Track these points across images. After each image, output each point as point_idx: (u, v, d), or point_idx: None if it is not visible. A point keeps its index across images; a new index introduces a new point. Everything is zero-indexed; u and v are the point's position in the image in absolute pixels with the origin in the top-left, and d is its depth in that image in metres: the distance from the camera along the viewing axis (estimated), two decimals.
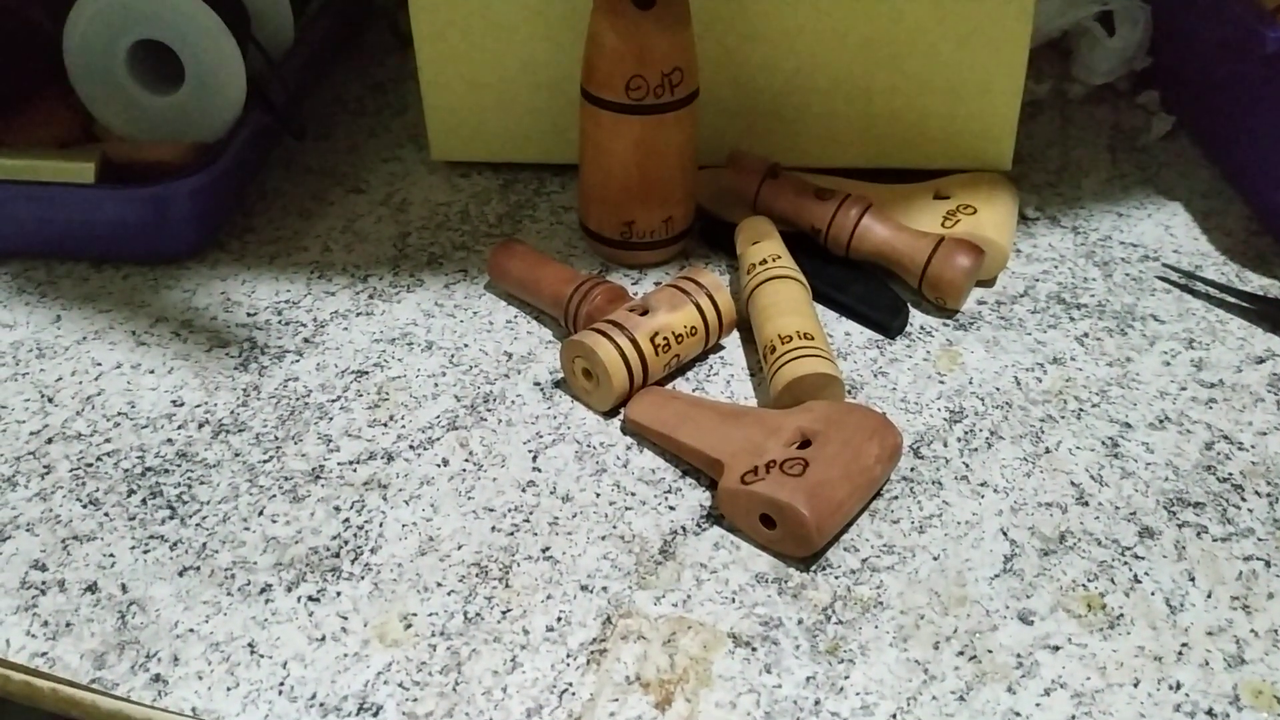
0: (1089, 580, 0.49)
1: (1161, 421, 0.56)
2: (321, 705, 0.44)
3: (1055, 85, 0.83)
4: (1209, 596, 0.48)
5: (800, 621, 0.47)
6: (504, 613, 0.47)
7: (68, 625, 0.47)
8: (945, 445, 0.55)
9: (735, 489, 0.50)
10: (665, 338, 0.56)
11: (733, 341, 0.61)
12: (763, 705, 0.44)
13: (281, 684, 0.45)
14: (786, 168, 0.67)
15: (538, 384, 0.58)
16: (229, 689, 0.45)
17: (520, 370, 0.59)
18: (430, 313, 0.63)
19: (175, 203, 0.64)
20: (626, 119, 0.60)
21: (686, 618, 0.47)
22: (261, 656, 0.46)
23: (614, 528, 0.51)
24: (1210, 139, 0.76)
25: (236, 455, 0.54)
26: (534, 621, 0.47)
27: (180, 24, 0.66)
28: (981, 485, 0.53)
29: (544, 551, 0.50)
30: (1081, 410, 0.57)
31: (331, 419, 0.56)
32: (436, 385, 0.58)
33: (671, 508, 0.52)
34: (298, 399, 0.58)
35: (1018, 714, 0.44)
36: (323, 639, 0.46)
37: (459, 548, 0.50)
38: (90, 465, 0.54)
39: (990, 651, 0.46)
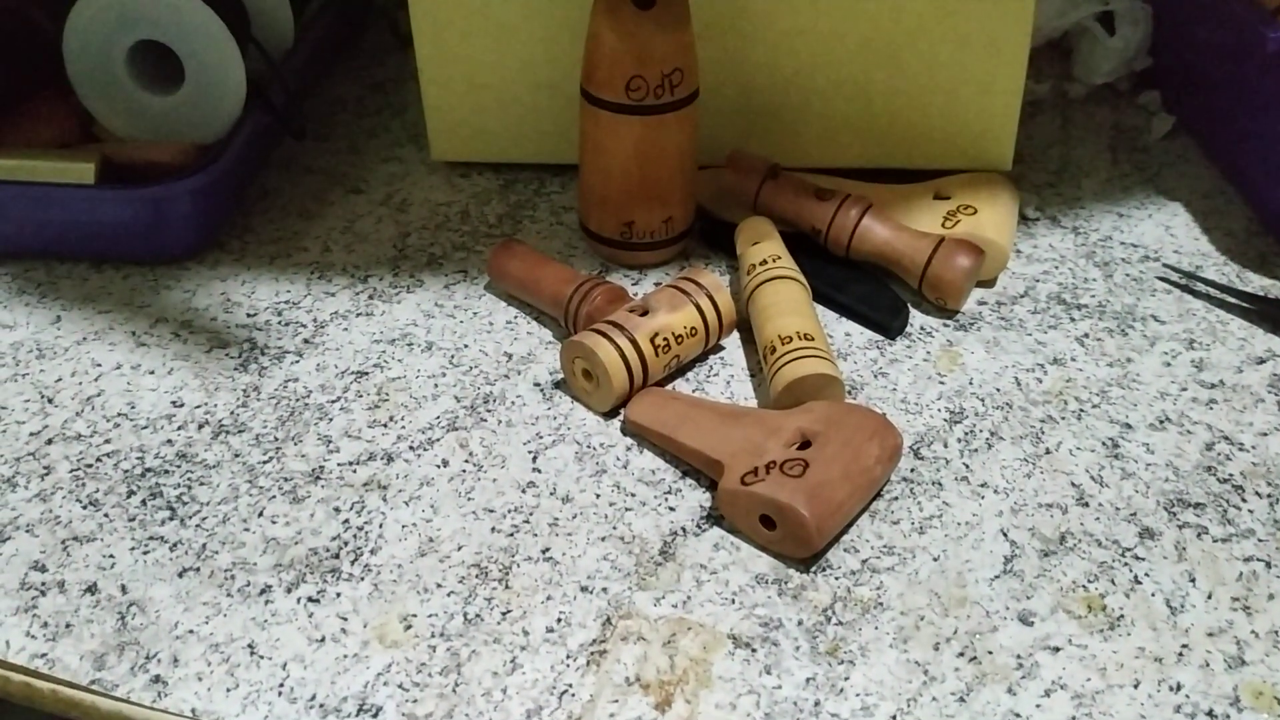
0: (1089, 581, 0.49)
1: (1162, 422, 0.56)
2: (321, 706, 0.44)
3: (1056, 85, 0.83)
4: (1209, 597, 0.48)
5: (800, 622, 0.47)
6: (504, 614, 0.47)
7: (67, 626, 0.47)
8: (945, 446, 0.55)
9: (735, 490, 0.50)
10: (665, 338, 0.56)
11: (733, 342, 0.61)
12: (763, 706, 0.44)
13: (281, 685, 0.45)
14: (786, 168, 0.67)
15: (538, 385, 0.58)
16: (229, 690, 0.45)
17: (520, 371, 0.59)
18: (430, 313, 0.63)
19: (175, 203, 0.64)
20: (626, 119, 0.60)
21: (686, 619, 0.47)
22: (261, 657, 0.46)
23: (614, 529, 0.51)
24: (1211, 139, 0.76)
25: (236, 456, 0.54)
26: (534, 622, 0.47)
27: (180, 24, 0.66)
28: (982, 486, 0.53)
29: (544, 552, 0.50)
30: (1082, 411, 0.57)
31: (331, 420, 0.56)
32: (436, 386, 0.58)
33: (671, 509, 0.52)
34: (297, 400, 0.58)
35: (1018, 715, 0.44)
36: (322, 640, 0.46)
37: (459, 549, 0.50)
38: (90, 466, 0.54)
39: (990, 653, 0.46)
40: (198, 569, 0.49)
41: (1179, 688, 0.45)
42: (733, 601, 0.48)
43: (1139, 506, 0.52)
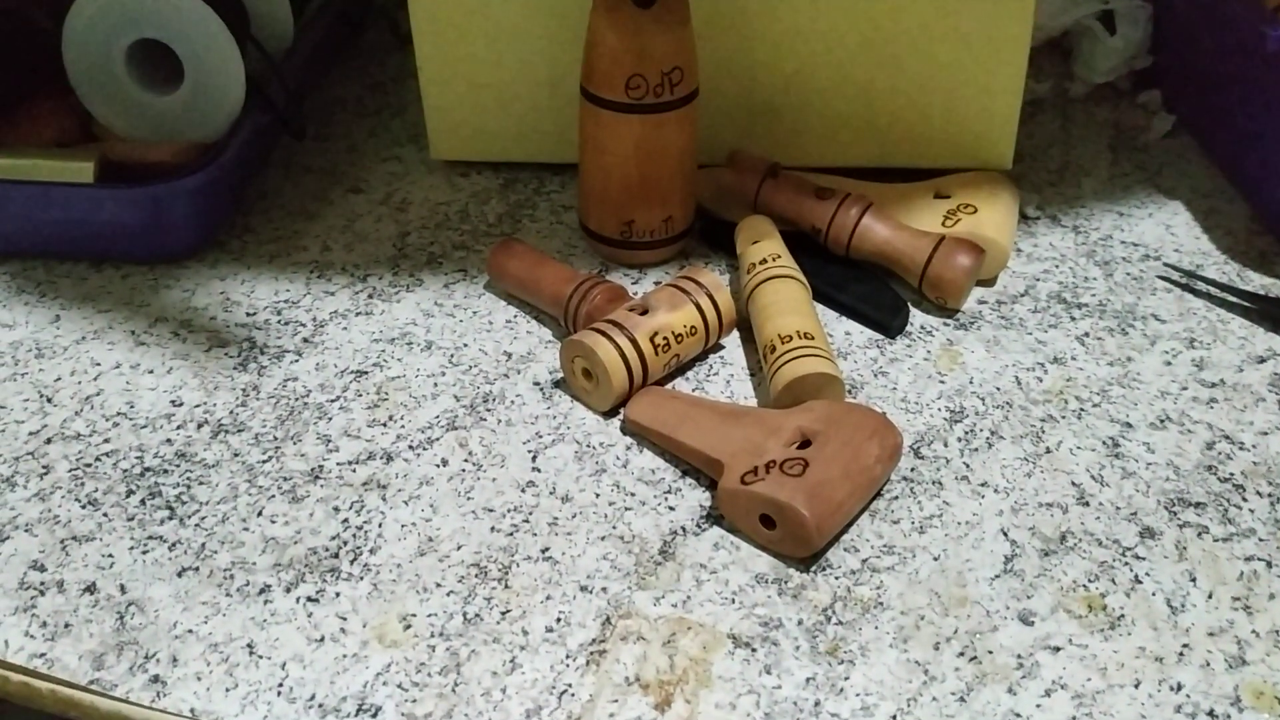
0: (1090, 581, 0.49)
1: (1162, 421, 0.56)
2: (320, 706, 0.44)
3: (1056, 84, 0.83)
4: (1210, 597, 0.48)
5: (800, 622, 0.47)
6: (503, 613, 0.47)
7: (66, 626, 0.47)
8: (945, 445, 0.55)
9: (735, 489, 0.50)
10: (665, 337, 0.56)
11: (732, 341, 0.61)
12: (762, 706, 0.44)
13: (280, 685, 0.45)
14: (787, 167, 0.67)
15: (537, 384, 0.58)
16: (228, 690, 0.44)
17: (520, 370, 0.59)
18: (430, 312, 0.63)
19: (174, 202, 0.64)
20: (626, 118, 0.60)
21: (686, 618, 0.47)
22: (260, 657, 0.46)
23: (613, 528, 0.51)
24: (1211, 138, 0.76)
25: (235, 455, 0.54)
26: (533, 622, 0.47)
27: (180, 23, 0.66)
28: (982, 485, 0.53)
29: (543, 552, 0.50)
30: (1082, 410, 0.57)
31: (331, 419, 0.56)
32: (436, 385, 0.58)
33: (671, 508, 0.52)
34: (297, 399, 0.58)
35: (1018, 715, 0.44)
36: (322, 640, 0.46)
37: (458, 548, 0.50)
38: (89, 465, 0.54)
39: (991, 652, 0.46)
40: (197, 568, 0.49)
41: (1179, 687, 0.45)
42: (732, 601, 0.48)
43: (1139, 506, 0.52)
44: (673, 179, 0.63)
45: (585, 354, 0.55)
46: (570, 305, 0.59)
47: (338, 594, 0.48)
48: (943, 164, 0.69)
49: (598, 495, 0.52)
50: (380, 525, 0.51)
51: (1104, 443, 0.55)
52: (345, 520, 0.51)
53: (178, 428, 0.56)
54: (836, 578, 0.49)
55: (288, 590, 0.48)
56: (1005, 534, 0.51)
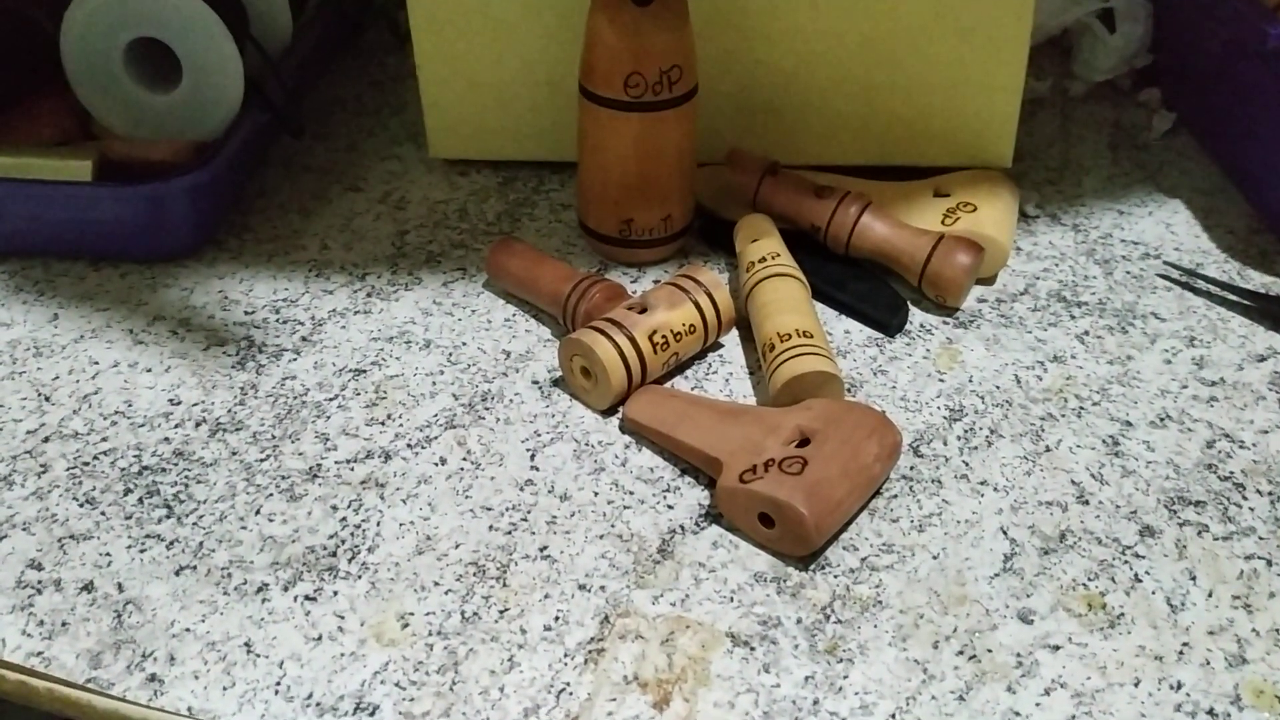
0: (1089, 579, 0.48)
1: (1162, 420, 0.56)
2: (318, 705, 0.44)
3: (1056, 82, 0.83)
4: (1210, 595, 0.48)
5: (799, 621, 0.47)
6: (501, 612, 0.47)
7: (63, 625, 0.47)
8: (945, 444, 0.55)
9: (734, 487, 0.50)
10: (664, 336, 0.56)
11: (731, 340, 0.61)
12: (761, 705, 0.44)
13: (278, 684, 0.45)
14: (786, 165, 0.67)
15: (536, 382, 0.58)
16: (225, 688, 0.44)
17: (518, 369, 0.59)
18: (428, 311, 0.63)
19: (173, 201, 0.64)
20: (625, 116, 0.60)
21: (685, 617, 0.47)
22: (258, 656, 0.46)
23: (612, 526, 0.51)
24: (1212, 136, 0.75)
25: (234, 454, 0.54)
26: (531, 621, 0.47)
27: (178, 22, 0.66)
28: (981, 484, 0.53)
29: (542, 550, 0.50)
30: (1082, 409, 0.57)
31: (329, 418, 0.56)
32: (434, 384, 0.58)
33: (670, 506, 0.52)
34: (295, 398, 0.57)
35: (1017, 714, 0.44)
36: (319, 638, 0.46)
37: (456, 547, 0.50)
38: (87, 464, 0.54)
39: (990, 651, 0.46)
40: (194, 567, 0.49)
41: (1179, 686, 0.45)
42: (731, 600, 0.48)
43: (1139, 504, 0.52)
44: (671, 177, 0.63)
45: (584, 352, 0.55)
46: (569, 304, 0.59)
47: (335, 593, 0.48)
48: (942, 162, 0.69)
49: (596, 494, 0.52)
50: (378, 524, 0.51)
51: (1104, 441, 0.55)
52: (343, 519, 0.51)
53: (176, 426, 0.56)
54: (835, 576, 0.49)
55: (285, 589, 0.48)
56: (1005, 532, 0.51)
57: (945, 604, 0.47)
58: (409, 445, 0.55)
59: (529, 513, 0.51)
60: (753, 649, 0.46)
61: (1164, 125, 0.77)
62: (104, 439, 0.55)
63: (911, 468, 0.53)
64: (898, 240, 0.62)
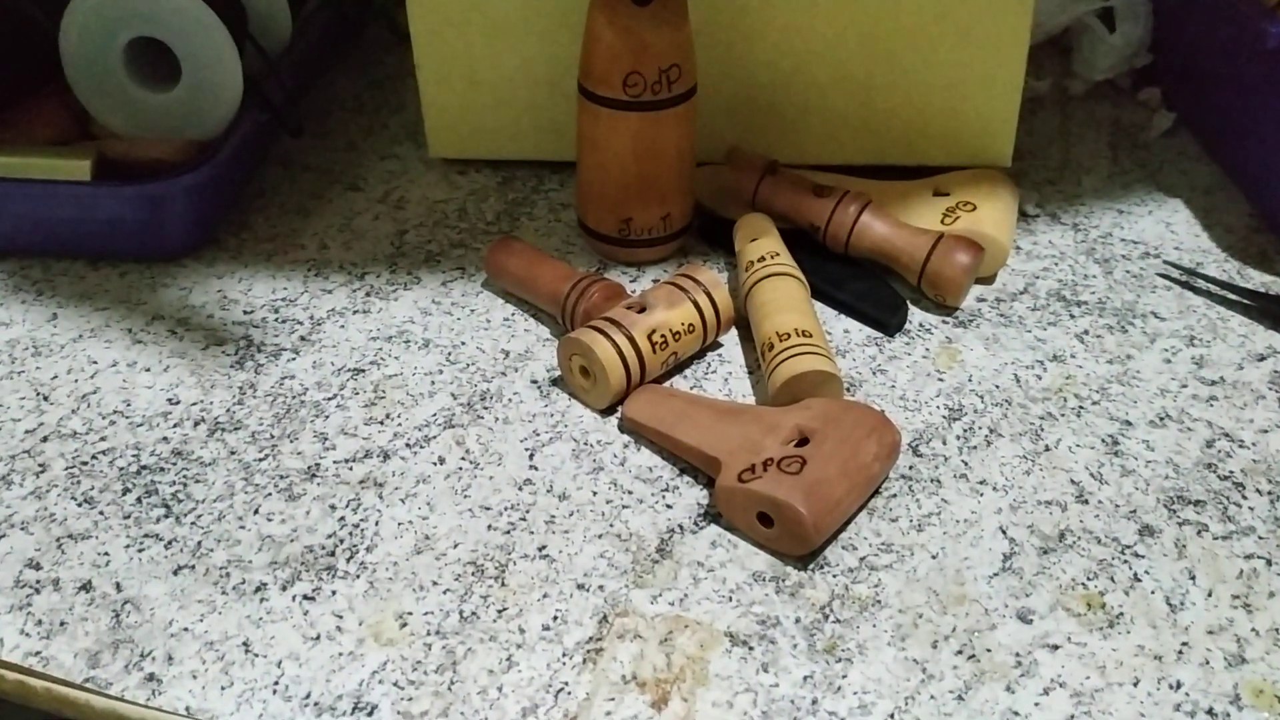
0: (1089, 579, 0.48)
1: (1162, 419, 0.56)
2: (316, 704, 0.44)
3: (1056, 82, 0.83)
4: (1209, 595, 0.48)
5: (798, 620, 0.47)
6: (500, 611, 0.47)
7: (62, 624, 0.47)
8: (944, 443, 0.55)
9: (733, 487, 0.50)
10: (663, 335, 0.56)
11: (731, 339, 0.61)
12: (760, 705, 0.44)
13: (276, 683, 0.45)
14: (785, 165, 0.67)
15: (535, 382, 0.58)
16: (223, 688, 0.44)
17: (517, 368, 0.59)
18: (427, 310, 0.63)
19: (172, 200, 0.64)
20: (624, 116, 0.60)
21: (683, 616, 0.47)
22: (256, 655, 0.46)
23: (611, 526, 0.51)
24: (1211, 136, 0.75)
25: (232, 454, 0.54)
26: (530, 620, 0.47)
27: (177, 21, 0.65)
28: (981, 483, 0.53)
29: (540, 550, 0.50)
30: (1081, 408, 0.57)
31: (328, 417, 0.56)
32: (433, 383, 0.58)
33: (669, 506, 0.52)
34: (294, 397, 0.57)
35: (1016, 713, 0.43)
36: (317, 638, 0.46)
37: (455, 546, 0.50)
38: (85, 463, 0.54)
39: (989, 650, 0.46)
40: (193, 567, 0.49)
41: (1179, 686, 0.44)
42: (730, 599, 0.48)
43: (1139, 504, 0.52)
44: (671, 177, 0.63)
45: (583, 352, 0.55)
46: (568, 303, 0.59)
47: (334, 592, 0.48)
48: (942, 161, 0.69)
49: (595, 493, 0.52)
50: (377, 523, 0.51)
51: (1103, 440, 0.55)
52: (342, 518, 0.51)
53: (174, 426, 0.56)
54: (834, 576, 0.49)
55: (284, 588, 0.48)
56: (1004, 532, 0.50)
57: (944, 603, 0.47)
58: (408, 445, 0.55)
59: (527, 512, 0.51)
60: (751, 648, 0.46)
61: (1164, 125, 0.77)
62: (102, 438, 0.55)
63: (911, 467, 0.53)
64: (897, 239, 0.62)
